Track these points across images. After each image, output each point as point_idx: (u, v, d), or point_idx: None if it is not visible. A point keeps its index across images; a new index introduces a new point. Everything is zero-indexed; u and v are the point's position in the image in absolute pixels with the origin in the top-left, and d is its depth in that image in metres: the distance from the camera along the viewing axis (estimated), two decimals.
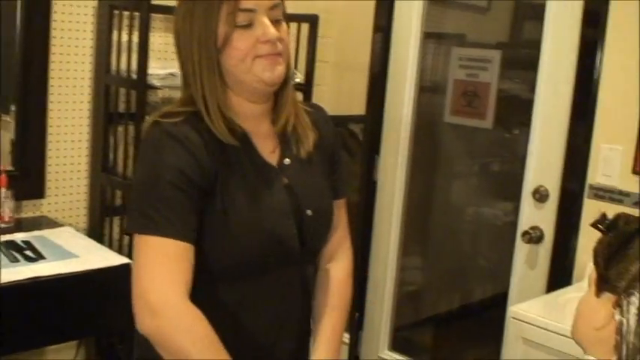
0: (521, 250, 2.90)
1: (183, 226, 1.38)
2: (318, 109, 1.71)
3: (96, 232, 2.93)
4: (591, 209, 2.66)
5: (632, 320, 1.03)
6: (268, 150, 1.54)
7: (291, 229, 1.51)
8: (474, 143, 3.35)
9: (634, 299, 1.03)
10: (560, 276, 2.73)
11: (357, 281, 3.35)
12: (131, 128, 2.77)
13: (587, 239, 2.66)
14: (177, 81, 2.66)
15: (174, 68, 2.70)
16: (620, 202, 2.58)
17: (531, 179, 2.87)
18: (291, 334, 1.57)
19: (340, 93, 3.50)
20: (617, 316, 1.06)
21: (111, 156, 2.87)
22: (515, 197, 2.95)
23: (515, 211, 2.95)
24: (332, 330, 1.63)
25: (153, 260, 1.36)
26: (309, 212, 1.54)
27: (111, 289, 2.40)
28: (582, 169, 2.68)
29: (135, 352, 1.58)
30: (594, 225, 1.12)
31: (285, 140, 1.56)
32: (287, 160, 1.55)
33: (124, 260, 2.47)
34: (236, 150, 1.47)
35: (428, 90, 3.34)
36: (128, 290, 1.38)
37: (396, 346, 3.44)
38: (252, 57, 1.43)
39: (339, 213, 1.69)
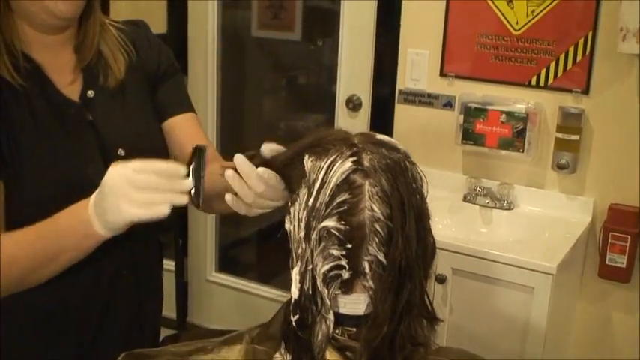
0: None
1: None
2: (139, 25, 1.53)
3: None
4: (402, 113, 2.72)
5: (296, 226, 1.04)
6: (66, 82, 1.35)
7: (97, 173, 1.27)
8: (284, 57, 3.30)
9: (297, 205, 1.03)
10: None
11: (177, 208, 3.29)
12: None
13: (400, 143, 2.73)
14: None
15: None
16: (430, 104, 2.65)
17: (343, 89, 2.89)
18: (136, 288, 1.41)
19: (137, 10, 3.29)
20: (287, 225, 1.06)
21: None
22: (328, 108, 2.97)
23: (328, 121, 2.98)
24: None
25: None
26: (120, 152, 1.36)
27: None
28: (391, 76, 2.72)
29: None
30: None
31: (89, 68, 1.37)
32: (90, 93, 1.36)
33: None
34: (24, 86, 1.27)
35: (231, 4, 3.22)
36: None
37: (223, 266, 3.42)
38: None
39: (187, 128, 1.49)
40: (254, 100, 3.50)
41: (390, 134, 2.74)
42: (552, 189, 2.50)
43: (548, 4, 2.39)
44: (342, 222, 0.97)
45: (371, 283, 1.00)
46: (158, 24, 3.21)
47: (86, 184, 1.26)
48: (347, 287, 1.01)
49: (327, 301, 1.00)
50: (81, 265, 1.23)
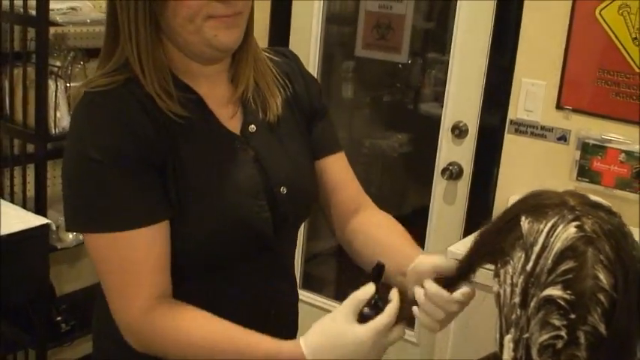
0: (439, 185, 2.89)
1: (135, 210, 1.17)
2: (288, 56, 1.46)
3: None
4: (512, 144, 2.66)
5: (508, 290, 0.99)
6: (227, 116, 1.30)
7: (262, 212, 1.28)
8: (386, 77, 3.27)
9: (509, 268, 0.99)
10: (479, 211, 2.74)
11: None
12: (30, 70, 2.46)
13: (508, 175, 2.68)
14: (79, 17, 2.44)
15: (75, 1, 2.45)
16: (542, 137, 2.58)
17: (450, 115, 2.83)
18: (278, 329, 1.31)
19: None
20: (496, 287, 1.02)
21: (7, 101, 2.57)
22: (429, 133, 2.93)
23: (426, 145, 2.93)
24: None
25: (109, 268, 1.20)
26: (283, 190, 1.31)
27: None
28: (503, 105, 2.66)
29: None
30: None
31: (248, 103, 1.32)
32: (252, 127, 1.31)
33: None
34: (189, 118, 1.23)
35: (337, 21, 3.20)
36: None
37: (306, 284, 3.38)
38: (203, 17, 1.18)
39: (340, 169, 1.46)
40: (347, 117, 3.47)
41: (498, 165, 2.69)
42: None
43: None
44: (568, 291, 0.93)
45: (584, 354, 0.95)
46: (259, 38, 3.18)
47: (252, 222, 1.27)
48: (556, 356, 0.97)
49: None
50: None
